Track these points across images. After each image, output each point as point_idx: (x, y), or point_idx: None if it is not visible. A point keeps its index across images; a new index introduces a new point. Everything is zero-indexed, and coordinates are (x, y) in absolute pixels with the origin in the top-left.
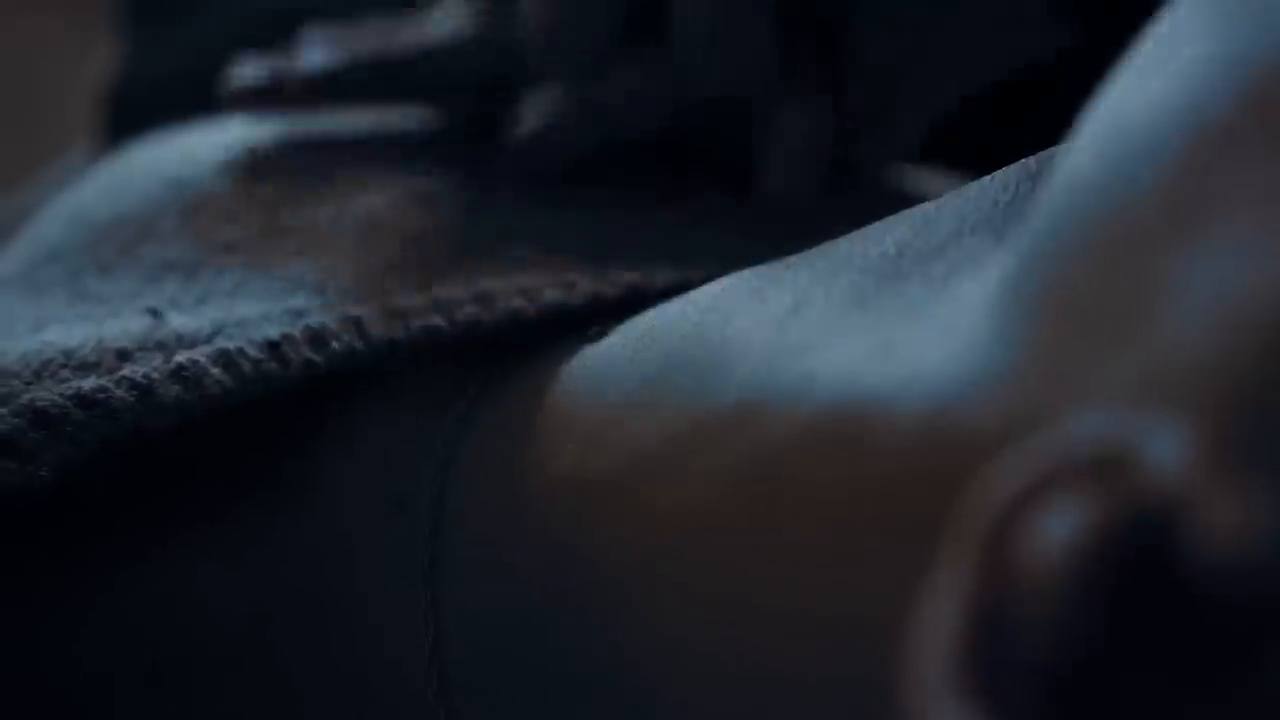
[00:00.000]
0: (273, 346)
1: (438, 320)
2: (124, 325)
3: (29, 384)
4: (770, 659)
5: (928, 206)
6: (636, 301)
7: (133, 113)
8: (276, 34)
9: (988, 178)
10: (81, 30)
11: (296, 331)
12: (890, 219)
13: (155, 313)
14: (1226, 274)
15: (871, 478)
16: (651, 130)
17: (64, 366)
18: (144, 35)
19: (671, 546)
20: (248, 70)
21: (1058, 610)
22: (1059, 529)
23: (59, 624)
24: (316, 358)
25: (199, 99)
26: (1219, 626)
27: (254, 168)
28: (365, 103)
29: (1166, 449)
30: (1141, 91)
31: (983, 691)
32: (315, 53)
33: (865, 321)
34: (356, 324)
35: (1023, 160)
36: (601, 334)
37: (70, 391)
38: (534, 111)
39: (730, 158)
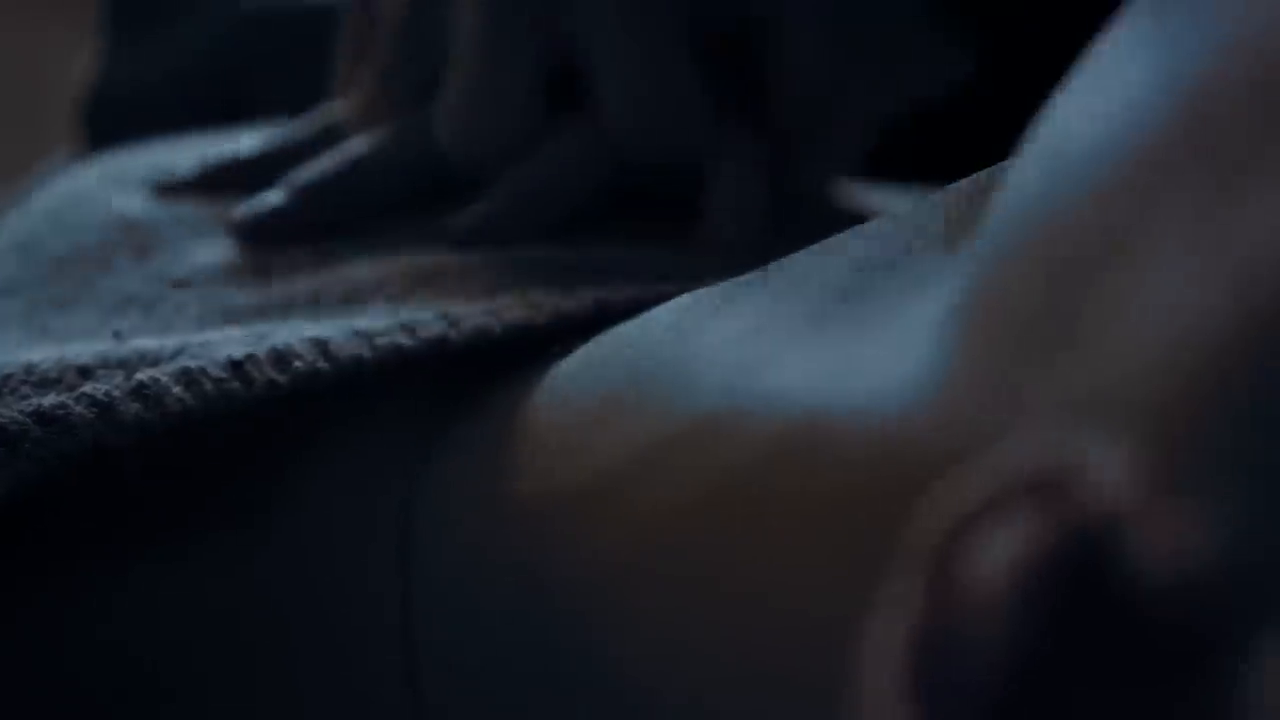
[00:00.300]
0: (236, 366)
1: (404, 339)
2: (87, 345)
3: None
4: (748, 662)
5: (886, 220)
6: (602, 320)
7: (112, 119)
8: (254, 42)
9: (942, 191)
10: (85, 33)
11: (260, 352)
12: (850, 232)
13: (118, 334)
14: (1163, 295)
15: (827, 494)
16: (594, 196)
17: (24, 383)
18: (123, 41)
19: (646, 554)
20: (188, 164)
21: (1001, 630)
22: (1001, 549)
23: (42, 633)
24: (280, 377)
25: (178, 105)
26: (1159, 645)
27: (198, 207)
28: (312, 230)
29: (1106, 468)
30: (1081, 111)
31: (929, 711)
32: (268, 193)
33: (823, 339)
34: (321, 344)
35: (975, 174)
36: (567, 352)
37: (29, 408)
38: (477, 202)
39: (676, 204)
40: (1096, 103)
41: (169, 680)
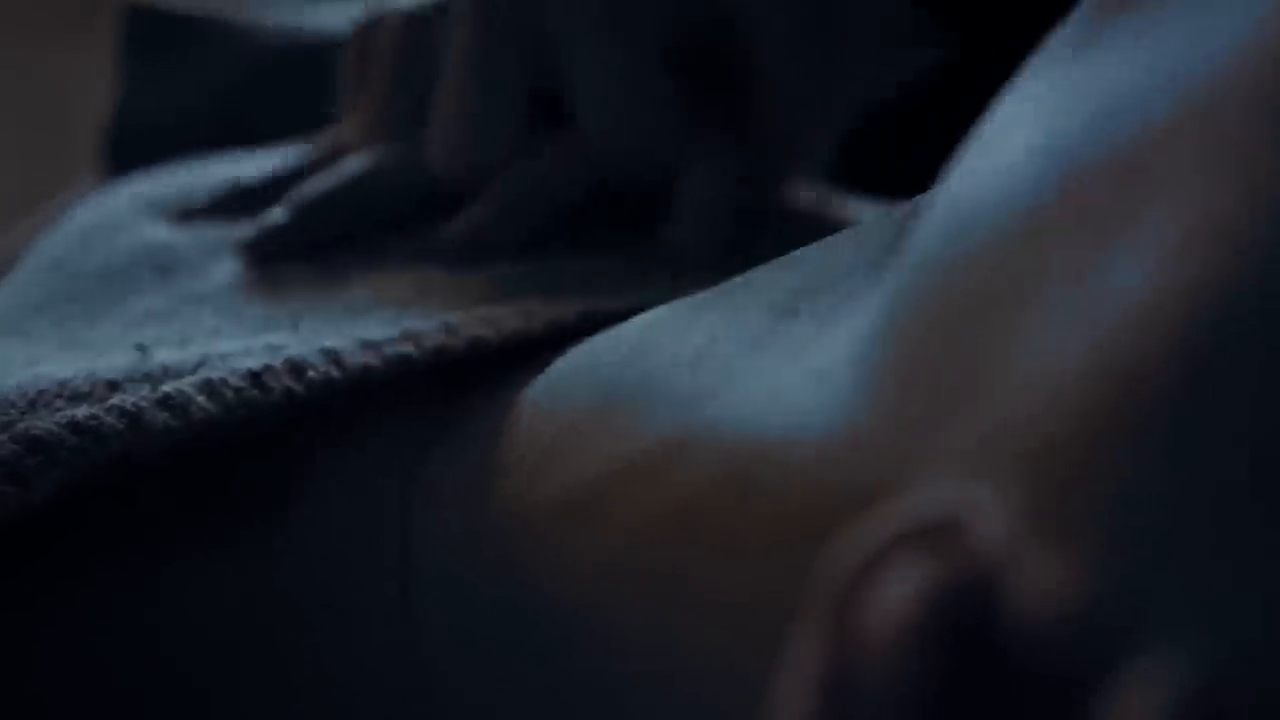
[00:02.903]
0: (254, 376)
1: (409, 350)
2: (112, 360)
3: (24, 413)
4: (699, 673)
5: (832, 240)
6: (591, 328)
7: (133, 149)
8: (272, 73)
9: (880, 213)
10: (105, 58)
11: (277, 363)
12: (801, 251)
13: (142, 348)
14: (1039, 352)
15: (753, 528)
16: (576, 207)
17: (57, 397)
18: (143, 73)
19: (613, 565)
20: (204, 191)
21: (895, 675)
22: (896, 596)
23: (76, 635)
24: (296, 386)
25: (197, 135)
26: (1033, 689)
27: (218, 230)
28: (313, 247)
29: (991, 518)
30: (975, 170)
31: None
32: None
33: (764, 361)
34: (333, 354)
35: (913, 198)
36: (552, 362)
37: (64, 420)
38: (462, 212)
39: (652, 212)
40: (988, 164)
41: (199, 676)
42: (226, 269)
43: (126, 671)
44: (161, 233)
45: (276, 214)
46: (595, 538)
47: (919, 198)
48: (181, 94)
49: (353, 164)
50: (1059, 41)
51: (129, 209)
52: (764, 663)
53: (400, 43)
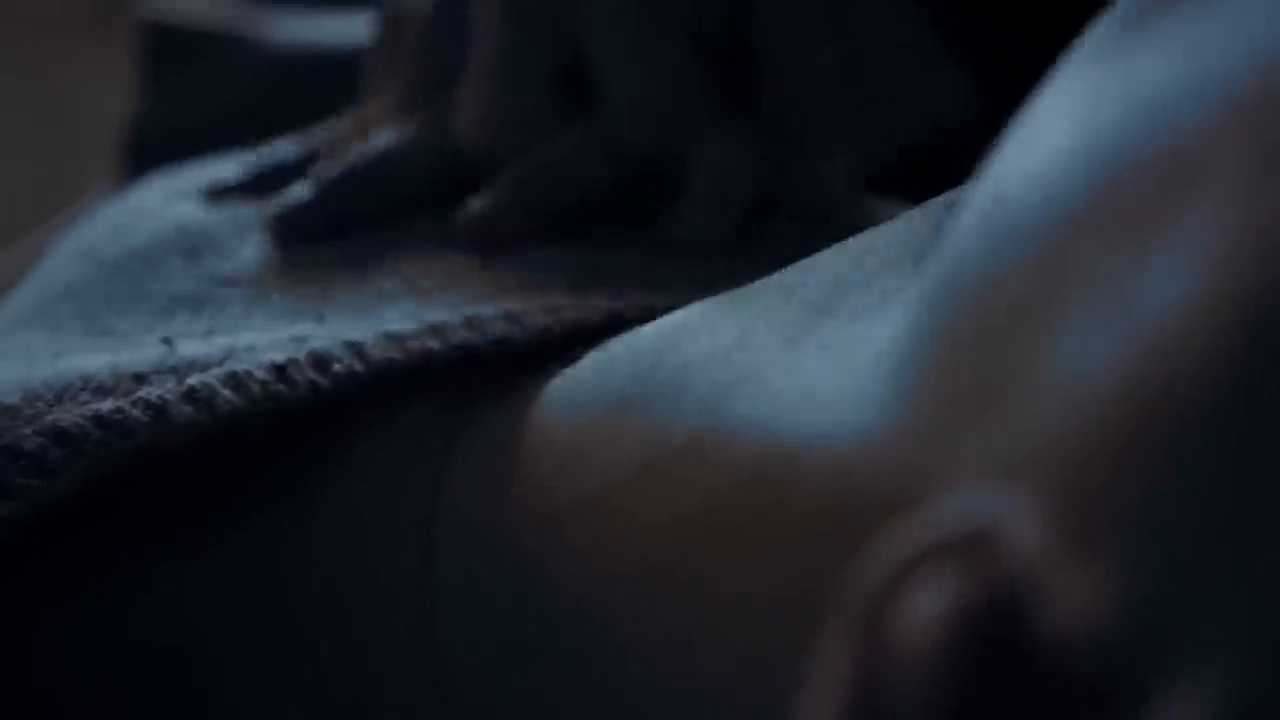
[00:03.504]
0: (279, 369)
1: (433, 344)
2: (139, 354)
3: (51, 406)
4: (723, 672)
5: (865, 237)
6: (616, 327)
7: (151, 157)
8: (289, 84)
9: (916, 209)
10: (117, 65)
11: (301, 356)
12: (836, 247)
13: (168, 341)
14: (1075, 362)
15: (782, 529)
16: (596, 191)
17: (83, 390)
18: (162, 81)
19: (636, 565)
20: (232, 172)
21: (926, 686)
22: (928, 606)
23: (75, 633)
24: (321, 379)
25: (215, 145)
26: (1066, 700)
27: (248, 210)
28: (340, 223)
29: (1024, 529)
30: (1015, 170)
31: None
32: (296, 185)
33: (796, 359)
34: (357, 348)
35: (945, 194)
36: (578, 358)
37: (90, 413)
38: (482, 192)
39: (670, 203)
40: (1024, 162)
41: (198, 679)
42: (255, 249)
43: (135, 666)
44: (192, 212)
45: (301, 190)
46: (618, 537)
47: (953, 193)
48: (197, 107)
49: (379, 140)
50: (1096, 37)
51: (160, 198)
52: (789, 665)
53: (429, 26)
